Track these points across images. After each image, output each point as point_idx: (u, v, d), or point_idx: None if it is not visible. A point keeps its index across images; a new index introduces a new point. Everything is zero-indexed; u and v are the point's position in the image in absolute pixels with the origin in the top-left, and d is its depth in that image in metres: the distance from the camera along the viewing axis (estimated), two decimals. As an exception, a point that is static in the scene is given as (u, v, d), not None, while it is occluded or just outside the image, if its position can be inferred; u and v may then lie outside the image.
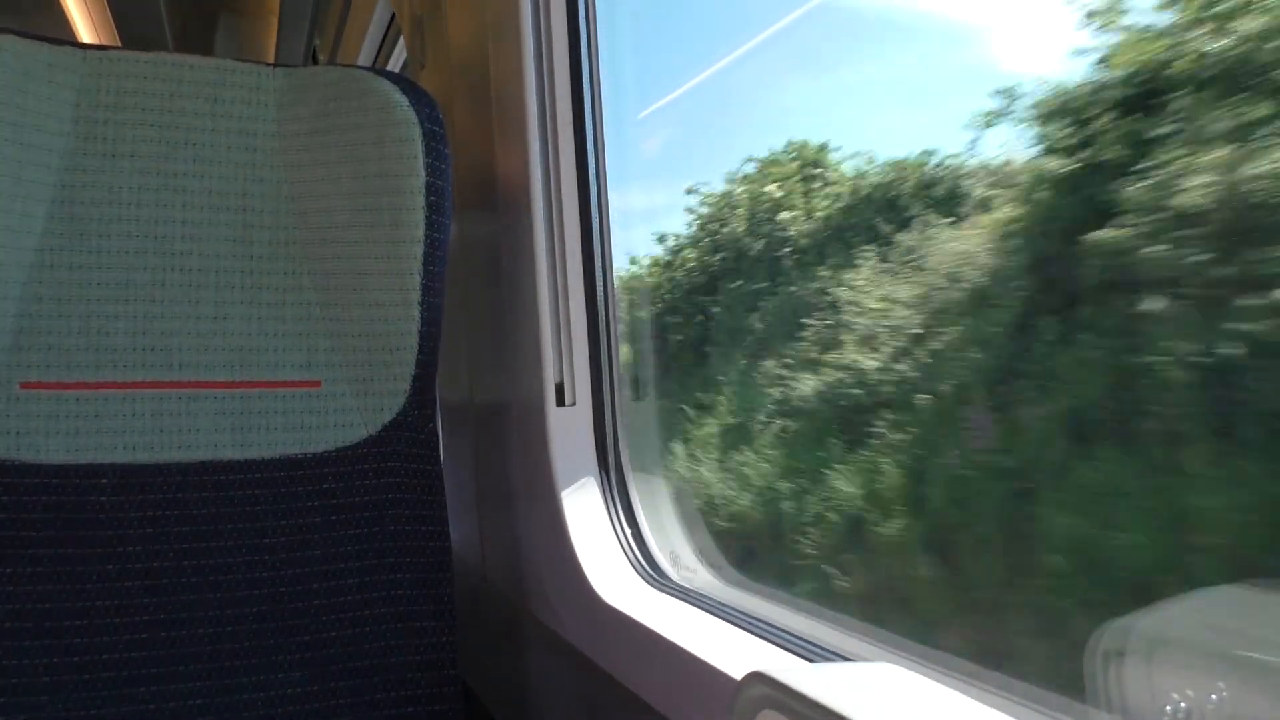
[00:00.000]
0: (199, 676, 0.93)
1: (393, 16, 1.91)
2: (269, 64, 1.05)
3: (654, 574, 1.00)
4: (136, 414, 0.95)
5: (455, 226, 1.05)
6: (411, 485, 1.01)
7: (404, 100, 0.98)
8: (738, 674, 0.67)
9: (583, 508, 1.03)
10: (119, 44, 3.28)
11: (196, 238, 0.99)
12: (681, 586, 0.97)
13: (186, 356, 0.97)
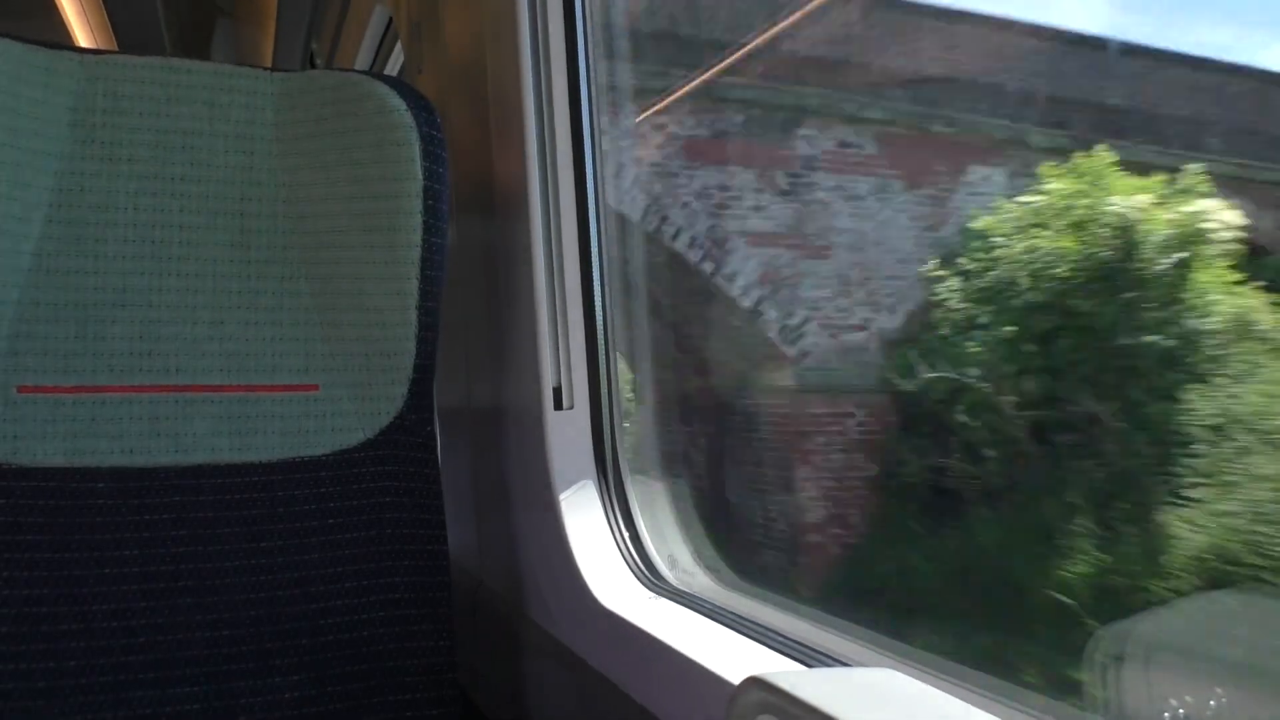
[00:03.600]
0: (196, 680, 0.93)
1: (390, 21, 1.91)
2: (266, 68, 1.05)
3: (652, 578, 1.00)
4: (133, 417, 0.95)
5: (453, 230, 1.05)
6: (409, 489, 1.01)
7: (401, 104, 0.98)
8: (735, 678, 0.67)
9: (581, 511, 1.03)
10: (116, 48, 3.28)
11: (194, 242, 0.99)
12: (679, 590, 0.97)
13: (184, 360, 0.97)
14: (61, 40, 1.70)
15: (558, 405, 1.04)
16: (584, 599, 0.96)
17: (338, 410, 1.01)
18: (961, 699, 0.50)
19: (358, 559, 0.99)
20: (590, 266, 1.07)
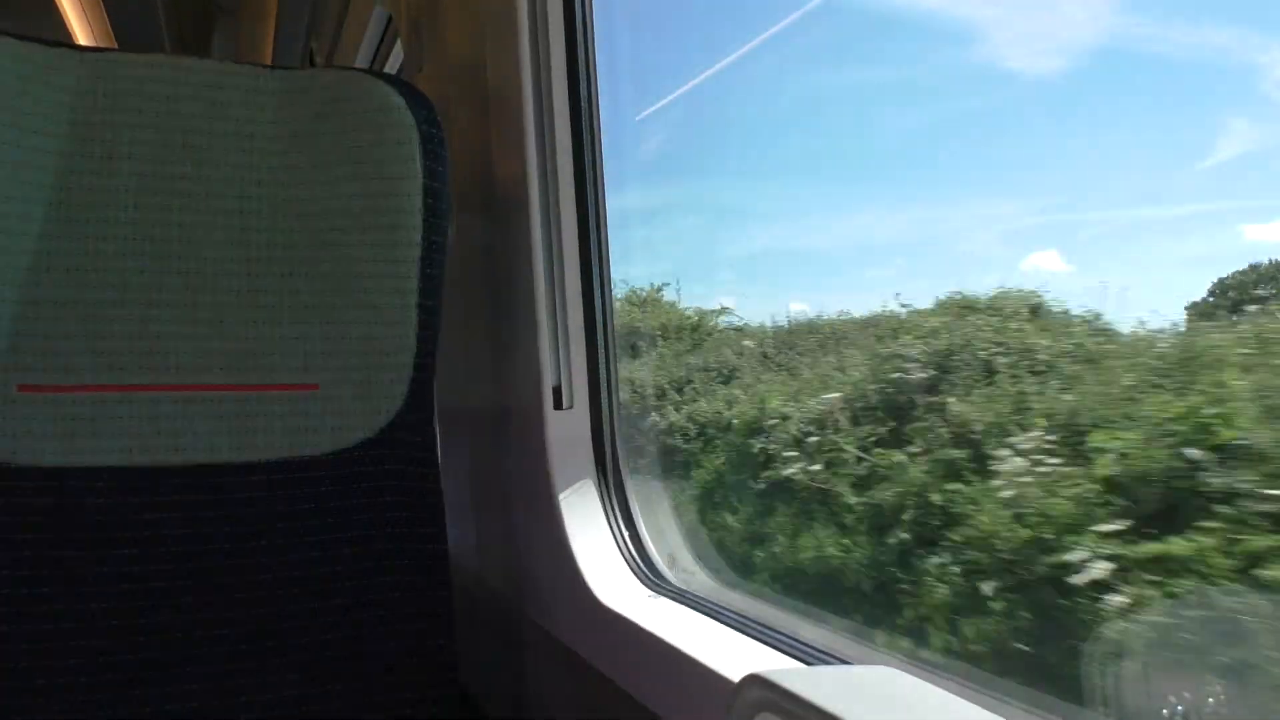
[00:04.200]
0: (195, 679, 0.93)
1: (390, 19, 1.91)
2: (266, 66, 1.04)
3: (652, 577, 1.00)
4: (133, 416, 0.95)
5: (453, 230, 1.05)
6: (409, 488, 1.01)
7: (401, 102, 0.98)
8: (735, 677, 0.67)
9: (580, 510, 1.03)
10: (115, 46, 3.28)
11: (194, 240, 0.99)
12: (679, 589, 0.97)
13: (184, 359, 0.97)
14: (61, 38, 1.70)
15: (557, 405, 1.04)
16: (584, 598, 0.96)
17: (337, 409, 1.00)
18: (962, 697, 0.50)
19: (358, 558, 0.99)
20: (590, 264, 1.07)
